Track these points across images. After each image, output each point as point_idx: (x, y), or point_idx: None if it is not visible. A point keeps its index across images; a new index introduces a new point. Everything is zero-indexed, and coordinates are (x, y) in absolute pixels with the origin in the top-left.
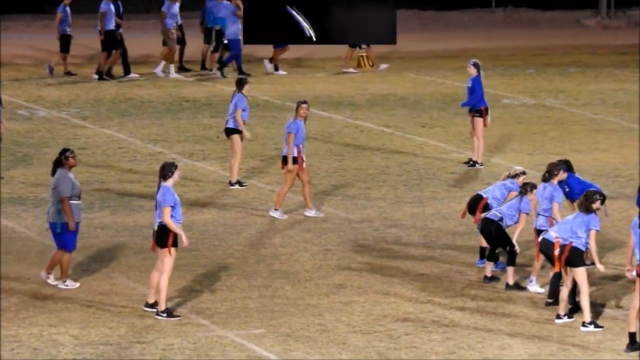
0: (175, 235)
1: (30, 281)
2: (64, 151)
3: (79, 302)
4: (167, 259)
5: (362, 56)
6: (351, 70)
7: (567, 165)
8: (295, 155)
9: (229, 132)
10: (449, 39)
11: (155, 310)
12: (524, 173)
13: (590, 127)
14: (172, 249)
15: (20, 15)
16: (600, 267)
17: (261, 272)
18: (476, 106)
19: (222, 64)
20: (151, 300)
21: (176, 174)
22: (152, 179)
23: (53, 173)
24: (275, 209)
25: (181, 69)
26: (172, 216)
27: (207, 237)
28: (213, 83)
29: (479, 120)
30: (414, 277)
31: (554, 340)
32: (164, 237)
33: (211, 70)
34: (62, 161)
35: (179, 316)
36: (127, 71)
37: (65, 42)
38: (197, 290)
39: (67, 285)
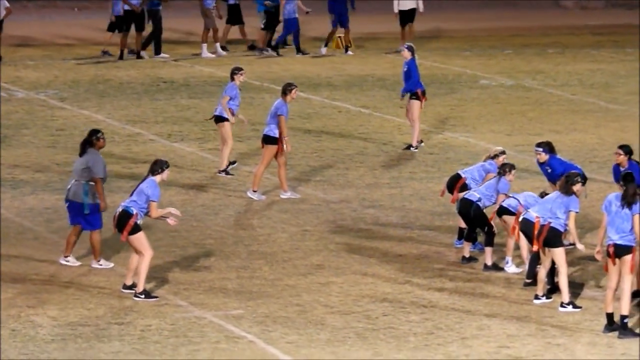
0: (135, 224)
1: (9, 262)
2: (95, 132)
3: (58, 283)
4: (136, 242)
5: (339, 37)
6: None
7: (549, 147)
8: (278, 136)
9: (217, 119)
10: (427, 20)
11: (133, 291)
12: (503, 153)
13: (568, 107)
14: (131, 237)
15: None
16: (580, 246)
17: (239, 253)
18: (413, 89)
19: (276, 42)
20: (129, 282)
21: (165, 173)
22: (130, 160)
23: (82, 153)
24: (254, 190)
25: (251, 47)
26: (142, 208)
27: (185, 218)
28: (191, 64)
29: (415, 103)
30: (392, 257)
31: (532, 320)
32: (123, 223)
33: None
34: (92, 142)
35: (157, 297)
36: (158, 51)
37: (122, 22)
38: (175, 272)
39: (101, 265)
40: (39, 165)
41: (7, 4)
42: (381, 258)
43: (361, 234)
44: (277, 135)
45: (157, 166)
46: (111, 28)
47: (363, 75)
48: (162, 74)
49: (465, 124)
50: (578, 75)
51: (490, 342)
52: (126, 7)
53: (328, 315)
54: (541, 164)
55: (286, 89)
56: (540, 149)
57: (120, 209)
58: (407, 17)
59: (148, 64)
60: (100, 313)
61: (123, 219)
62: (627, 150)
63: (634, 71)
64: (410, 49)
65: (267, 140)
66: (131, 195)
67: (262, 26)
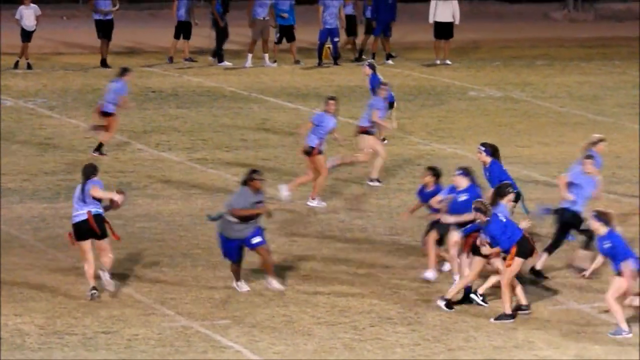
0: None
1: None
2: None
3: (45, 291)
4: (87, 247)
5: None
6: (437, 62)
7: (492, 150)
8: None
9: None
10: (416, 31)
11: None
12: None
13: (556, 119)
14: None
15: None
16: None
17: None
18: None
19: (335, 54)
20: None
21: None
22: (118, 169)
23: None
24: (312, 199)
25: (358, 59)
26: (97, 206)
27: (173, 228)
28: (179, 74)
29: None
30: (379, 268)
31: (519, 332)
32: (102, 225)
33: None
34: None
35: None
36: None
37: (183, 28)
38: (162, 281)
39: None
40: (26, 174)
41: (39, 11)
42: (368, 269)
43: (348, 245)
44: (314, 146)
45: (90, 170)
46: (177, 35)
47: (351, 86)
48: (150, 83)
49: (454, 135)
50: (566, 87)
51: (477, 354)
52: (97, 17)
53: (315, 325)
54: (484, 167)
55: (326, 101)
56: (482, 149)
57: (85, 216)
58: (443, 30)
59: (136, 74)
60: (87, 322)
61: (100, 221)
62: (435, 172)
63: (622, 83)
64: (371, 66)
65: (306, 152)
66: (84, 202)
67: (276, 40)
